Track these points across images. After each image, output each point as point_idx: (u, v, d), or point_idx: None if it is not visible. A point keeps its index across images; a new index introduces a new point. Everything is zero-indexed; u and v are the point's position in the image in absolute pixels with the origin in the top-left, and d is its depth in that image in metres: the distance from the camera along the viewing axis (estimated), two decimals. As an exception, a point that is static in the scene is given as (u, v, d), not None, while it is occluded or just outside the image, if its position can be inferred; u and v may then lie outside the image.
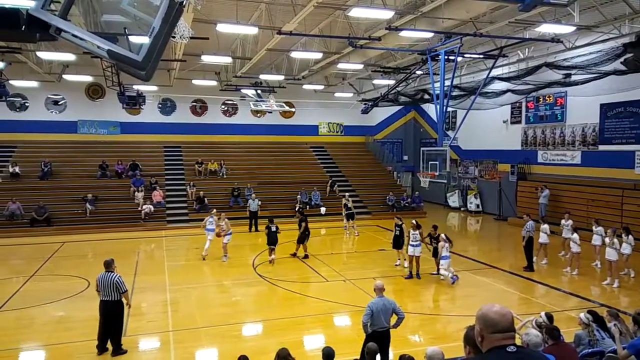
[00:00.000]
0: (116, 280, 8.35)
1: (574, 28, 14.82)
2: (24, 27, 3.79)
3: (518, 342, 2.61)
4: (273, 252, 15.08)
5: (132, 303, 10.89)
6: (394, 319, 7.29)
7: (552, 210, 19.73)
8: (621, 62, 14.27)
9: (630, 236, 12.83)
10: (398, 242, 14.39)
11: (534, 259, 14.47)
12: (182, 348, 8.79)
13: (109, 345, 8.47)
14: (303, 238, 15.66)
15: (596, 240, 13.98)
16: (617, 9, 14.74)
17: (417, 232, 13.43)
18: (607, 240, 12.77)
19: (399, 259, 14.74)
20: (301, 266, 14.96)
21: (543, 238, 14.77)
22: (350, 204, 20.58)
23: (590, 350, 6.29)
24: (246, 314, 11.00)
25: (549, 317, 6.83)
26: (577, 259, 13.73)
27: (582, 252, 13.78)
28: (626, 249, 12.83)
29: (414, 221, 13.80)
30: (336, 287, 12.83)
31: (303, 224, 15.63)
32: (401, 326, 7.39)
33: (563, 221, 15.05)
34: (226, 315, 10.68)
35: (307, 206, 23.87)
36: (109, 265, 8.54)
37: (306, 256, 15.72)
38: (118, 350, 8.42)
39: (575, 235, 13.76)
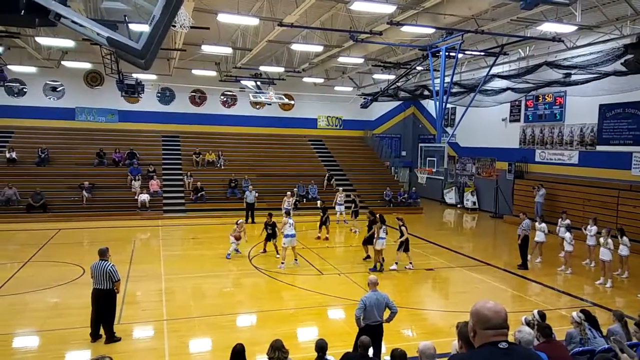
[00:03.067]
0: (109, 269, 8.36)
1: (575, 27, 14.81)
2: (22, 11, 3.76)
3: (511, 339, 2.63)
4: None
5: (127, 291, 10.99)
6: (387, 313, 7.33)
7: (548, 210, 19.80)
8: (621, 63, 14.27)
9: (624, 237, 12.88)
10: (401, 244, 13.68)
11: (529, 257, 14.53)
12: (176, 337, 8.82)
13: (102, 333, 8.49)
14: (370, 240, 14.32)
15: (590, 240, 14.06)
16: (619, 9, 14.72)
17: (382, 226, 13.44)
18: (601, 240, 12.83)
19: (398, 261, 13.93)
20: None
21: (540, 237, 14.81)
22: (357, 201, 20.51)
23: (581, 349, 6.35)
24: (241, 305, 11.04)
25: (541, 315, 6.88)
26: (570, 258, 13.83)
27: (575, 251, 13.88)
28: (623, 250, 12.88)
29: (377, 215, 13.97)
30: (331, 280, 12.88)
31: (374, 227, 13.96)
32: (394, 320, 7.42)
33: (560, 220, 15.11)
34: (221, 306, 10.72)
35: (304, 199, 23.92)
36: (103, 254, 8.54)
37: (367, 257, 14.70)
38: (111, 338, 8.45)
39: (568, 234, 13.84)
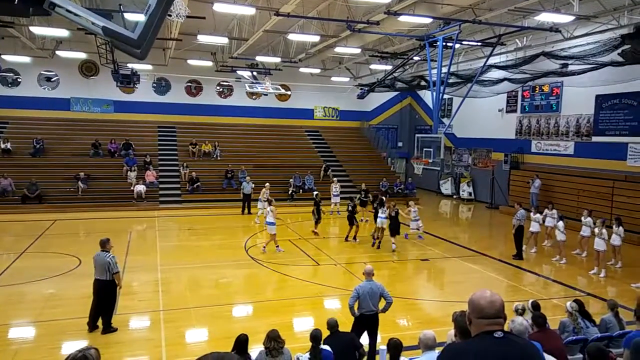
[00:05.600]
0: (108, 261, 8.34)
1: (572, 18, 14.77)
2: (16, 0, 3.72)
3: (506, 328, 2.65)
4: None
5: (123, 282, 10.96)
6: (382, 304, 7.37)
7: (544, 200, 19.85)
8: (618, 54, 14.26)
9: (620, 227, 12.95)
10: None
11: (524, 247, 14.60)
12: (173, 327, 8.85)
13: (100, 324, 8.51)
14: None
15: (585, 230, 14.11)
16: (617, -1, 14.70)
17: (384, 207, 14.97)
18: (596, 230, 12.90)
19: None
20: (293, 249, 15.03)
21: (534, 227, 14.90)
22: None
23: (574, 338, 6.41)
24: (237, 295, 11.08)
25: (535, 305, 6.92)
26: (563, 247, 13.92)
27: (567, 240, 13.96)
28: (616, 240, 12.95)
29: (383, 197, 16.13)
30: (327, 270, 12.94)
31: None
32: (390, 310, 7.46)
33: (547, 210, 15.17)
34: (217, 296, 10.75)
35: (301, 190, 23.92)
36: (104, 245, 8.52)
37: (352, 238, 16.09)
38: (108, 328, 8.46)
39: (560, 223, 13.90)
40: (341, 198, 21.27)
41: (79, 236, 17.09)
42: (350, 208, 16.02)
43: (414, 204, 16.87)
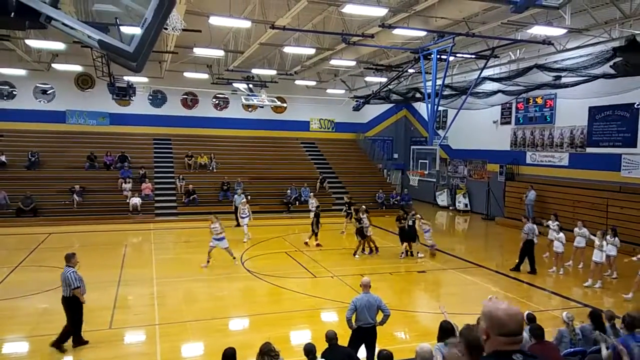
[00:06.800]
0: (67, 275, 8.13)
1: (565, 30, 14.96)
2: (12, 13, 3.72)
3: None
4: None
5: (119, 296, 10.90)
6: (380, 316, 7.33)
7: (539, 211, 19.92)
8: (610, 66, 14.42)
9: (616, 238, 12.97)
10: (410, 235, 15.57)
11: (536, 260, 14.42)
12: (168, 341, 8.77)
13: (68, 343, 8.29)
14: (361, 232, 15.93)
15: (580, 242, 14.08)
16: (608, 12, 14.89)
17: (364, 216, 15.59)
18: (596, 242, 12.86)
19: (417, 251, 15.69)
20: (289, 262, 14.97)
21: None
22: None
23: (572, 350, 6.39)
24: (233, 309, 11.00)
25: (530, 317, 6.89)
26: (561, 259, 13.91)
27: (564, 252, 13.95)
28: (612, 250, 12.96)
29: (363, 206, 16.58)
30: (324, 283, 12.87)
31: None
32: (387, 323, 7.43)
33: (550, 222, 15.16)
34: (213, 310, 10.66)
35: (297, 202, 23.88)
36: (68, 259, 8.33)
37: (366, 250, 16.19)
38: (78, 342, 8.28)
39: (562, 235, 13.89)
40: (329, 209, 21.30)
41: (74, 249, 16.88)
42: (357, 222, 16.08)
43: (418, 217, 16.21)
